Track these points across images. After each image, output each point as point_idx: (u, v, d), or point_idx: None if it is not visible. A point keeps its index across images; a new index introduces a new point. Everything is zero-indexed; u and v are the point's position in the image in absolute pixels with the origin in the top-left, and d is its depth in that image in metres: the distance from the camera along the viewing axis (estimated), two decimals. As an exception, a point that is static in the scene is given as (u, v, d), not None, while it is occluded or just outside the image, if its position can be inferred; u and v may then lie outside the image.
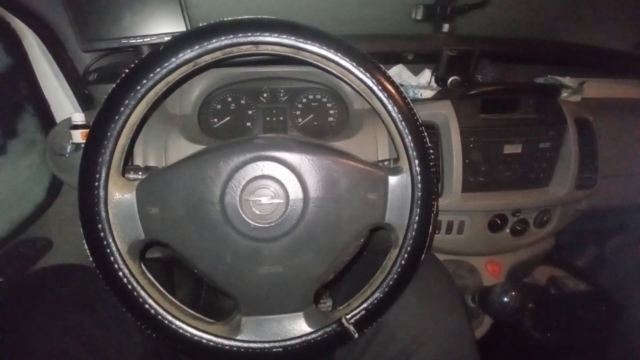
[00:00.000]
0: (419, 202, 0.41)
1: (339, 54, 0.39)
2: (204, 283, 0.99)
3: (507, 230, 0.71)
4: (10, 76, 0.63)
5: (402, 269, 0.42)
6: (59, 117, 0.67)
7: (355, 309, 0.43)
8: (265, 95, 0.73)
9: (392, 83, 0.41)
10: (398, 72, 0.75)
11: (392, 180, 0.42)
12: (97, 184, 0.37)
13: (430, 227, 0.43)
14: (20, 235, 0.61)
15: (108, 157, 0.38)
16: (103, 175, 0.38)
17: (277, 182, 0.40)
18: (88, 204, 0.38)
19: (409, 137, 0.41)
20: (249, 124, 0.72)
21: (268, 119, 0.73)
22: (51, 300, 0.45)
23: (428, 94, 0.70)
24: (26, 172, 0.65)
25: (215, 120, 0.71)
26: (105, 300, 0.44)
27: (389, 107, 0.41)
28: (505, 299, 0.57)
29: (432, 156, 0.42)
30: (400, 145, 0.42)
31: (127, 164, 0.45)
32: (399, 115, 0.41)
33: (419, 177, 0.41)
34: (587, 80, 0.82)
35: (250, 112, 0.72)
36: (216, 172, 0.40)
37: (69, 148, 0.63)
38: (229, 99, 0.72)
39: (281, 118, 0.73)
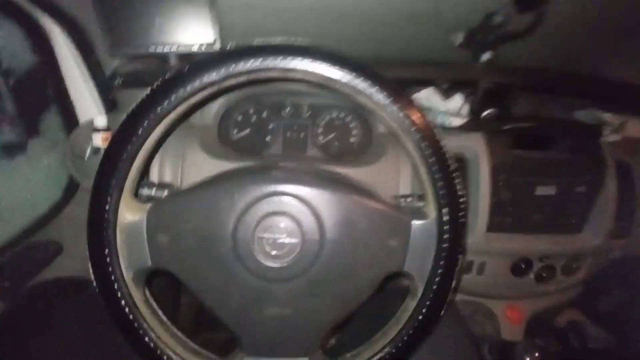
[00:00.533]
0: (444, 254, 0.38)
1: (375, 88, 0.37)
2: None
3: (532, 276, 0.66)
4: (36, 74, 0.63)
5: (419, 324, 0.40)
6: (82, 118, 0.67)
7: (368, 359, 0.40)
8: (287, 110, 0.71)
9: (428, 125, 0.38)
10: (427, 96, 0.71)
11: (416, 225, 0.39)
12: (107, 207, 0.36)
13: (454, 282, 0.40)
14: (33, 236, 0.60)
15: (122, 179, 0.36)
16: (114, 198, 0.36)
17: (294, 220, 0.38)
18: (96, 226, 0.36)
19: (440, 183, 0.38)
20: (268, 138, 0.70)
21: (288, 134, 0.71)
22: (53, 317, 0.44)
23: (458, 122, 0.66)
24: (44, 172, 0.65)
25: (235, 131, 0.70)
26: (107, 321, 0.43)
27: (422, 150, 0.38)
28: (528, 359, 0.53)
29: (464, 206, 0.39)
30: (430, 190, 0.39)
31: (142, 179, 0.43)
32: (432, 159, 0.38)
33: (446, 228, 0.38)
34: (629, 119, 0.77)
35: (270, 126, 0.71)
36: (231, 204, 0.38)
37: (88, 151, 0.62)
38: (251, 111, 0.70)
39: (302, 135, 0.71)
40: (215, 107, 0.67)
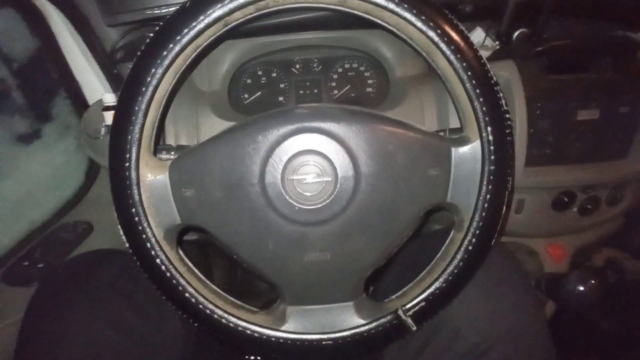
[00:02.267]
0: (492, 177, 0.35)
1: (397, 0, 0.33)
2: (239, 265, 0.99)
3: (575, 209, 0.62)
4: (39, 58, 0.62)
5: (469, 255, 0.37)
6: (90, 99, 0.66)
7: (413, 299, 0.38)
8: (297, 66, 0.68)
9: (461, 34, 0.34)
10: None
11: (457, 152, 0.36)
12: (127, 164, 0.35)
13: (504, 207, 0.37)
14: (61, 220, 0.61)
15: (137, 134, 0.35)
16: (134, 155, 0.35)
17: (324, 158, 0.36)
18: (120, 186, 0.35)
19: (482, 99, 0.34)
20: (281, 98, 0.67)
21: (301, 92, 0.68)
22: (90, 288, 0.44)
23: (484, 54, 0.60)
24: (63, 156, 0.64)
25: (246, 95, 0.67)
26: (145, 287, 0.43)
27: (457, 63, 0.34)
28: (582, 289, 0.50)
29: (509, 122, 0.35)
30: (469, 110, 0.35)
31: (159, 143, 0.42)
32: (469, 73, 0.34)
33: (492, 148, 0.35)
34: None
35: (282, 85, 0.67)
36: (254, 148, 0.35)
37: (102, 130, 0.61)
38: (260, 72, 0.67)
39: (315, 90, 0.68)
40: (222, 72, 0.64)
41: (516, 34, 0.52)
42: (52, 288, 0.45)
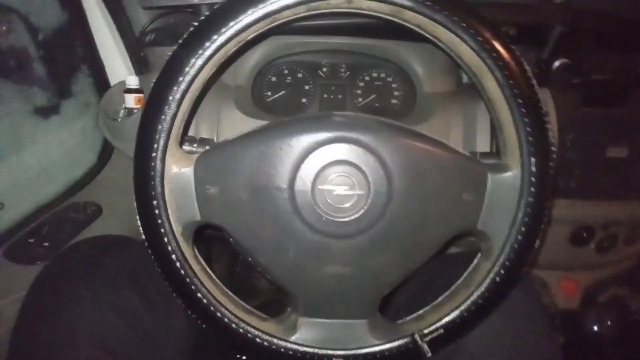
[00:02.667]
0: (528, 209, 0.34)
1: (455, 18, 0.32)
2: (239, 260, 0.98)
3: (592, 246, 0.61)
4: (66, 33, 0.61)
5: (495, 286, 0.36)
6: (112, 79, 0.65)
7: (431, 325, 0.37)
8: (324, 69, 0.66)
9: (517, 59, 0.33)
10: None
11: (494, 179, 0.35)
12: (154, 154, 0.33)
13: (538, 241, 0.35)
14: (69, 200, 0.60)
15: (168, 124, 0.33)
16: (162, 145, 0.33)
17: (359, 170, 0.34)
18: (143, 176, 0.34)
19: (529, 129, 0.33)
20: (304, 100, 0.66)
21: (325, 96, 0.66)
22: (98, 272, 0.43)
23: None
24: (79, 135, 0.63)
25: (269, 93, 0.66)
26: (154, 278, 0.41)
27: (508, 90, 0.33)
28: (598, 328, 0.49)
29: (554, 155, 0.34)
30: (512, 138, 0.34)
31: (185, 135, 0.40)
32: (520, 101, 0.33)
33: (532, 179, 0.33)
34: None
35: (307, 87, 0.66)
36: (287, 152, 0.34)
37: (121, 113, 0.60)
38: (286, 71, 0.66)
39: (340, 96, 0.66)
40: (248, 68, 0.63)
41: (557, 63, 0.51)
42: (59, 268, 0.44)
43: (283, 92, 0.66)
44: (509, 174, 0.35)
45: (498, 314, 0.38)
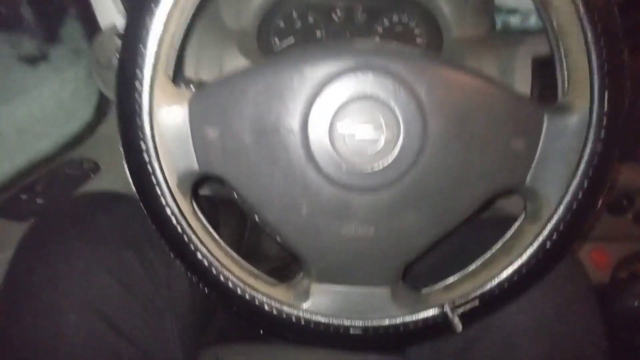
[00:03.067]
0: (596, 160, 0.28)
1: None
2: (247, 223, 0.95)
3: (630, 215, 0.56)
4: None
5: (545, 254, 0.31)
6: (102, 22, 0.58)
7: (465, 295, 0.32)
8: (338, 12, 0.59)
9: None
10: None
11: (552, 123, 0.29)
12: (138, 85, 0.28)
13: (601, 199, 0.30)
14: (65, 156, 0.57)
15: (154, 45, 0.28)
16: (146, 71, 0.28)
17: (387, 107, 0.28)
18: (127, 114, 0.29)
19: (605, 55, 0.27)
20: None
21: (339, 44, 0.60)
22: (94, 230, 0.40)
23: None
24: (72, 85, 0.59)
25: (276, 40, 0.59)
26: (154, 240, 0.38)
27: (582, 6, 0.26)
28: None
29: (629, 92, 0.28)
30: (582, 68, 0.28)
31: (179, 72, 0.35)
32: (597, 18, 0.26)
33: (604, 121, 0.27)
34: None
35: (318, 33, 0.59)
36: (299, 84, 0.28)
37: (114, 60, 0.55)
38: (295, 15, 0.59)
39: (355, 44, 0.60)
40: (253, 9, 0.56)
41: None
42: (50, 224, 0.41)
43: (292, 38, 0.59)
44: (571, 115, 0.29)
45: (537, 287, 0.34)
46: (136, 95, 0.28)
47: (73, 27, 0.58)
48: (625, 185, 0.53)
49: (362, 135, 0.29)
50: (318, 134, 0.29)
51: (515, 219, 0.35)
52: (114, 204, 0.44)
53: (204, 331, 0.52)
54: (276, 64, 0.30)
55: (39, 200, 0.48)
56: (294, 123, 0.29)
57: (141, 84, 0.28)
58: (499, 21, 0.58)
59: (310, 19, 0.59)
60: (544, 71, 0.47)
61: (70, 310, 0.35)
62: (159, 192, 0.31)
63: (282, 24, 0.59)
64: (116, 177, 0.57)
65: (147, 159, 0.30)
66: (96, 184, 0.54)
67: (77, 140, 0.58)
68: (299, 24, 0.59)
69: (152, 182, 0.30)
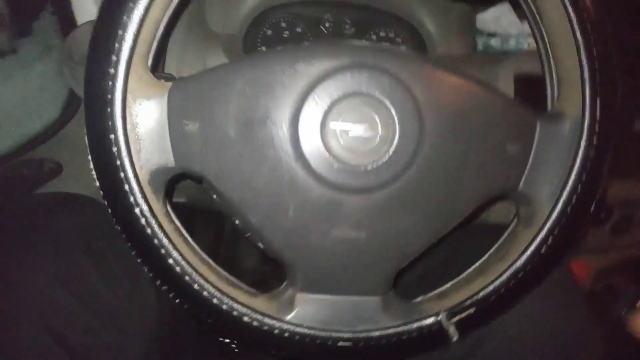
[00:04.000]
0: (589, 165, 0.28)
1: None
2: (224, 236, 0.90)
3: (607, 228, 0.57)
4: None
5: (540, 259, 0.30)
6: (80, 19, 0.56)
7: (460, 303, 0.31)
8: (327, 24, 0.60)
9: None
10: (497, 16, 0.60)
11: (545, 129, 0.29)
12: (111, 70, 0.25)
13: (594, 204, 0.30)
14: (26, 154, 0.51)
15: (134, 28, 0.25)
16: (123, 57, 0.26)
17: (382, 106, 0.27)
18: (96, 100, 0.26)
19: (597, 64, 0.27)
20: None
21: (327, 55, 0.60)
22: (46, 235, 0.35)
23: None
24: (39, 80, 0.55)
25: (264, 49, 0.59)
26: (116, 244, 0.34)
27: (573, 14, 0.27)
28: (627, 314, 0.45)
29: (619, 101, 0.29)
30: (574, 76, 0.28)
31: (159, 63, 0.33)
32: (588, 27, 0.27)
33: (596, 129, 0.28)
34: None
35: (306, 44, 0.59)
36: (291, 78, 0.27)
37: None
38: (283, 25, 0.59)
39: (343, 56, 0.60)
40: (241, 16, 0.56)
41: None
42: (2, 230, 0.36)
43: (279, 48, 0.59)
44: (564, 122, 0.29)
45: (538, 295, 0.33)
46: (108, 79, 0.26)
47: (48, 21, 0.55)
48: (603, 198, 0.56)
49: (356, 132, 0.28)
50: (309, 130, 0.28)
51: (501, 227, 0.34)
52: (75, 206, 0.39)
53: (172, 351, 0.46)
54: (267, 57, 0.29)
55: (-5, 200, 0.42)
56: (284, 117, 0.27)
57: (115, 69, 0.25)
58: (480, 43, 0.61)
59: (299, 30, 0.59)
60: (526, 88, 0.49)
61: (18, 327, 0.30)
62: (127, 188, 0.27)
63: (269, 33, 0.59)
64: (80, 180, 0.52)
65: (115, 151, 0.26)
66: (57, 187, 0.49)
67: (40, 139, 0.53)
68: (286, 34, 0.59)
69: (120, 177, 0.27)
